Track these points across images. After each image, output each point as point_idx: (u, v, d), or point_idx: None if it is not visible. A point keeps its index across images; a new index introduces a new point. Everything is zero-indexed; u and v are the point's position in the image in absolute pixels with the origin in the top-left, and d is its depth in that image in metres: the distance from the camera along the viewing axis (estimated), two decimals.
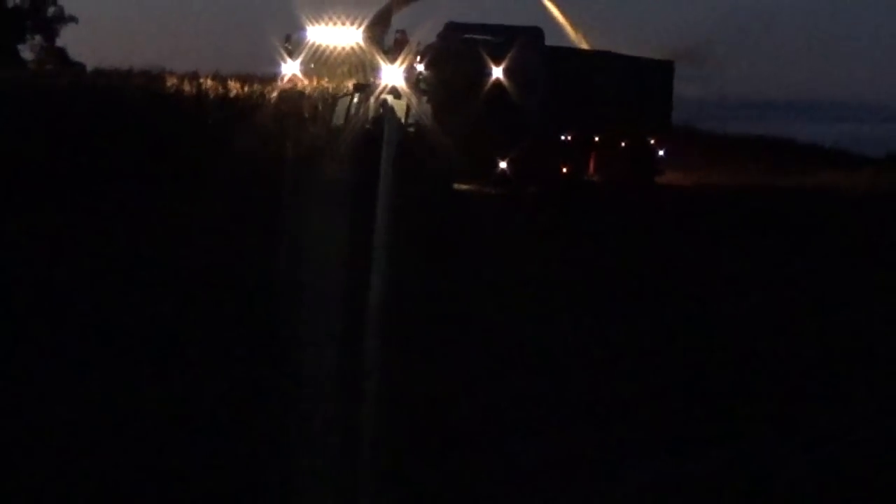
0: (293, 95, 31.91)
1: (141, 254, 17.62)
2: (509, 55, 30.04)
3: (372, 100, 29.59)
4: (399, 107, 29.44)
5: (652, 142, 34.47)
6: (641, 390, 11.40)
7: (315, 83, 32.25)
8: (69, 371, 10.98)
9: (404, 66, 30.03)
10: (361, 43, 31.44)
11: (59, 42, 47.24)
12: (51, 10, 46.93)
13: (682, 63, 36.13)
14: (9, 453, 8.88)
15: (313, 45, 32.06)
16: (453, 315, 14.34)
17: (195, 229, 20.04)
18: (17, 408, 9.90)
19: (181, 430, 9.55)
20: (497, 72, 29.94)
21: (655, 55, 36.15)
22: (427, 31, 30.90)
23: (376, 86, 29.97)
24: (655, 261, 19.66)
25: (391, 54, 30.54)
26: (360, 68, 31.58)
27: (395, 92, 29.58)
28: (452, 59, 30.01)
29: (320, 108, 31.42)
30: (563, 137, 31.70)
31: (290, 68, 32.19)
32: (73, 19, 47.32)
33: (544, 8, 37.21)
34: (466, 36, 30.53)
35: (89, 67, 40.44)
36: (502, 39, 30.40)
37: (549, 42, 32.17)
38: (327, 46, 32.02)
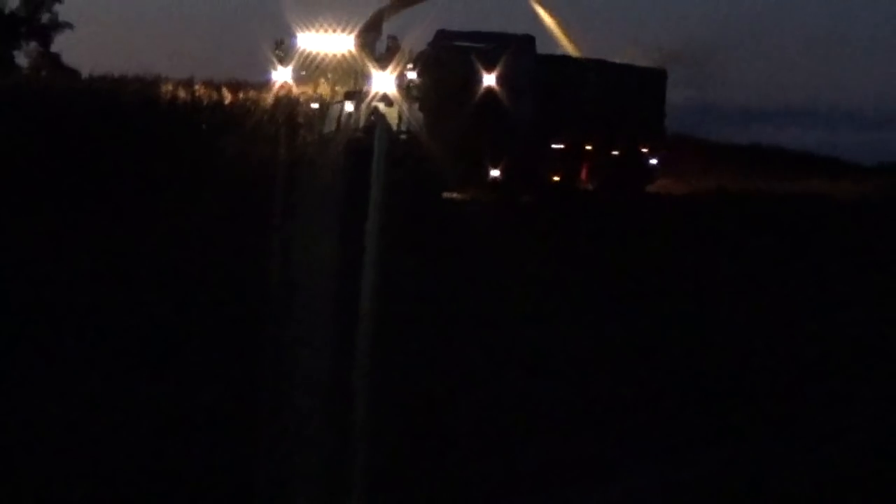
0: (287, 102, 31.94)
1: (135, 257, 17.69)
2: (501, 63, 30.09)
3: (363, 107, 29.63)
4: (390, 114, 29.49)
5: (644, 150, 34.52)
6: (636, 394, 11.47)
7: (306, 90, 32.27)
8: (69, 373, 11.04)
9: (396, 73, 30.08)
10: (353, 50, 31.45)
11: (54, 48, 47.32)
12: (45, 17, 46.96)
13: (676, 66, 36.15)
14: (8, 454, 8.93)
15: (304, 51, 32.06)
16: (441, 318, 14.43)
17: (189, 233, 20.11)
18: (15, 408, 9.95)
19: (180, 431, 9.61)
20: (488, 79, 29.98)
21: (649, 57, 36.17)
22: (418, 39, 30.99)
23: (367, 93, 30.01)
24: (644, 266, 19.72)
25: (383, 61, 30.57)
26: (352, 75, 31.60)
27: (386, 99, 29.63)
28: (444, 66, 30.06)
29: (312, 115, 31.44)
30: (554, 145, 31.75)
31: (282, 75, 32.18)
32: (67, 26, 47.37)
33: (536, 15, 37.20)
34: (458, 43, 30.58)
35: (84, 74, 40.50)
36: (494, 47, 30.46)
37: (540, 50, 32.24)
38: (318, 53, 32.01)
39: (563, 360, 12.71)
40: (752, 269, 19.97)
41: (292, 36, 32.02)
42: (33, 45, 46.88)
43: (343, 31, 31.58)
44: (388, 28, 32.64)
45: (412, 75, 30.06)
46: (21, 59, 46.50)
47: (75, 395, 10.40)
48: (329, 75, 32.30)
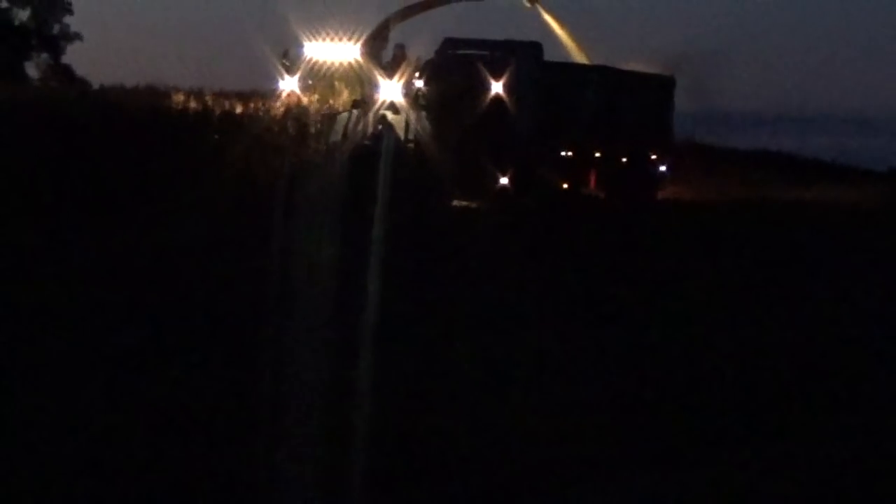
0: (297, 112, 31.97)
1: (144, 264, 17.78)
2: (508, 70, 30.07)
3: (370, 115, 29.62)
4: (398, 122, 29.47)
5: (653, 157, 34.39)
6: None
7: (313, 99, 32.29)
8: (69, 373, 11.06)
9: (403, 81, 30.07)
10: (359, 58, 31.46)
11: (64, 59, 47.49)
12: (56, 28, 47.13)
13: (684, 73, 36.02)
14: (8, 454, 8.93)
15: (311, 60, 32.09)
16: (444, 326, 14.42)
17: (201, 239, 20.20)
18: (15, 408, 9.96)
19: (180, 431, 9.61)
20: (496, 87, 29.96)
21: (657, 64, 36.04)
22: (425, 47, 30.97)
23: (374, 101, 29.99)
24: (648, 275, 19.66)
25: (389, 70, 30.57)
26: (359, 84, 31.60)
27: (393, 107, 29.61)
28: (451, 74, 30.03)
29: (319, 124, 31.45)
30: (562, 153, 31.69)
31: (288, 84, 32.23)
32: (78, 37, 47.54)
33: (544, 22, 37.14)
34: (465, 51, 30.54)
35: (94, 84, 40.66)
36: (501, 54, 30.42)
37: (548, 57, 32.18)
38: (325, 62, 32.03)
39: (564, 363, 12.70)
40: (776, 278, 19.85)
41: (299, 45, 32.07)
42: (44, 56, 47.05)
43: (349, 39, 31.61)
44: (394, 36, 32.70)
45: (419, 83, 30.05)
46: (32, 71, 46.74)
47: (75, 395, 10.41)
48: (336, 84, 32.34)
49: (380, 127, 29.43)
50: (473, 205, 29.64)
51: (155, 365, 11.83)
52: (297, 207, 24.12)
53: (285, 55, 32.70)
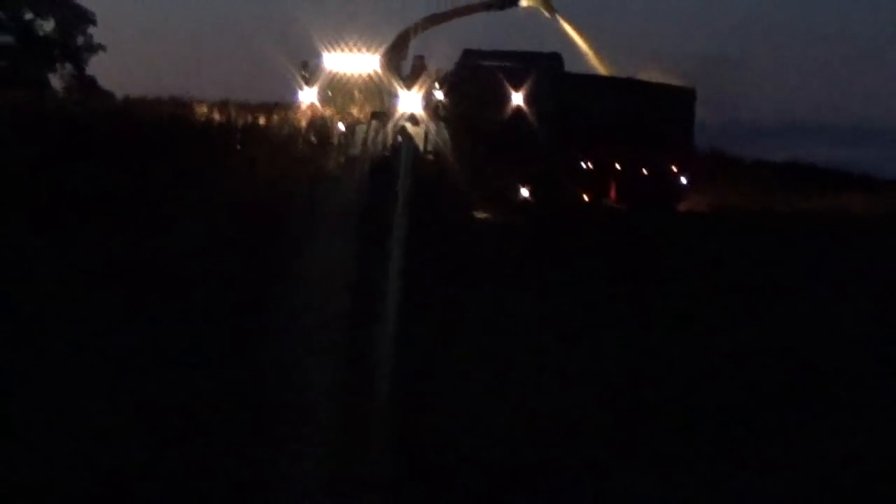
0: (321, 124, 32.05)
1: (166, 269, 17.86)
2: (528, 82, 30.08)
3: (389, 127, 29.65)
4: (417, 134, 29.48)
5: (674, 168, 34.30)
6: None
7: (332, 110, 32.35)
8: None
9: (422, 92, 30.09)
10: (378, 69, 31.51)
11: (88, 71, 47.70)
12: (80, 40, 47.34)
13: (705, 84, 35.92)
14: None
15: (330, 72, 32.16)
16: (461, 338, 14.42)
17: (222, 248, 20.29)
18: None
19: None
20: (516, 98, 29.99)
21: (678, 75, 35.96)
22: (445, 58, 30.98)
23: (394, 113, 30.02)
24: (669, 287, 19.58)
25: (409, 81, 30.60)
26: (378, 95, 31.64)
27: (413, 119, 29.64)
28: (471, 85, 30.05)
29: (339, 135, 31.51)
30: (583, 164, 31.64)
31: (308, 96, 32.29)
32: (101, 48, 47.75)
33: (563, 32, 37.12)
34: (485, 62, 30.55)
35: (117, 96, 40.81)
36: (521, 66, 30.43)
37: (568, 68, 32.15)
38: (344, 73, 32.11)
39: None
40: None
41: (318, 57, 32.13)
42: (68, 67, 47.26)
43: (369, 51, 31.67)
44: (414, 47, 32.71)
45: (439, 95, 30.06)
46: (56, 82, 46.94)
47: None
48: (355, 95, 32.38)
49: (399, 138, 29.44)
50: (493, 216, 29.61)
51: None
52: (317, 217, 24.16)
53: (304, 66, 32.78)
